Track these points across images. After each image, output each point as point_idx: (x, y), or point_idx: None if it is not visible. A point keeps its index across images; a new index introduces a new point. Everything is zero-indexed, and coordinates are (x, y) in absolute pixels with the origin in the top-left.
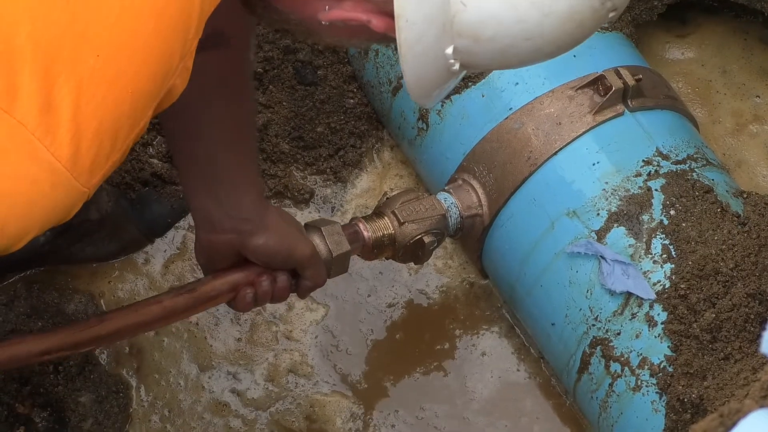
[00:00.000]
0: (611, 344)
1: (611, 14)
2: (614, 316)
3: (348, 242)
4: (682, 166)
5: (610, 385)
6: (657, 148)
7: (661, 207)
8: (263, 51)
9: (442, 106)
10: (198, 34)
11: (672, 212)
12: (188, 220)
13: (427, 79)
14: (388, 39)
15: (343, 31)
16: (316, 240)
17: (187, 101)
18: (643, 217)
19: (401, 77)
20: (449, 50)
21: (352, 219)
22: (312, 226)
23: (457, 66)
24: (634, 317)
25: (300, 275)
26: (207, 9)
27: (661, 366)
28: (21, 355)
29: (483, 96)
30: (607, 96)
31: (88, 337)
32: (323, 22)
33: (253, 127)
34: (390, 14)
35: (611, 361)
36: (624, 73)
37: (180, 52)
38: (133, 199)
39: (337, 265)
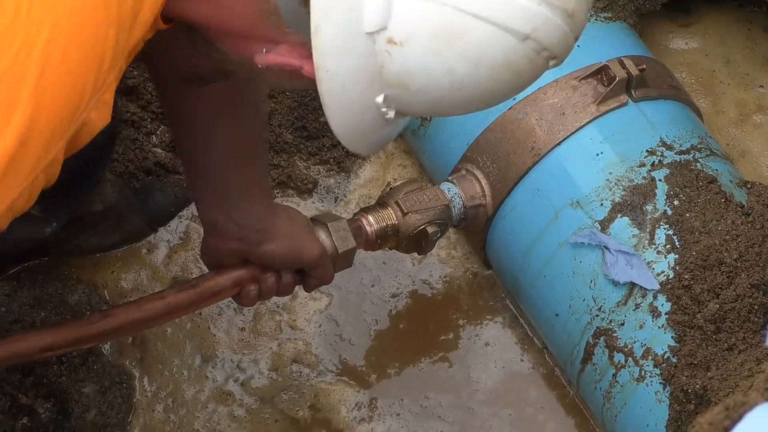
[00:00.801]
0: (615, 335)
1: (551, 62)
2: (618, 306)
3: (353, 238)
4: (685, 157)
5: (614, 375)
6: (661, 138)
7: (665, 197)
8: None
9: None
10: (113, 68)
11: (676, 202)
12: (191, 209)
13: (357, 128)
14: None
15: (280, 75)
16: (322, 236)
17: (196, 125)
18: (647, 207)
19: None
20: (380, 99)
21: (356, 213)
22: (318, 222)
23: (392, 114)
24: (638, 308)
25: (307, 273)
26: (124, 45)
27: (665, 356)
28: (23, 351)
29: None
30: (611, 86)
31: (90, 333)
32: (260, 65)
33: (262, 141)
34: None
35: (615, 352)
36: (628, 63)
37: (93, 86)
38: (137, 189)
39: (342, 261)
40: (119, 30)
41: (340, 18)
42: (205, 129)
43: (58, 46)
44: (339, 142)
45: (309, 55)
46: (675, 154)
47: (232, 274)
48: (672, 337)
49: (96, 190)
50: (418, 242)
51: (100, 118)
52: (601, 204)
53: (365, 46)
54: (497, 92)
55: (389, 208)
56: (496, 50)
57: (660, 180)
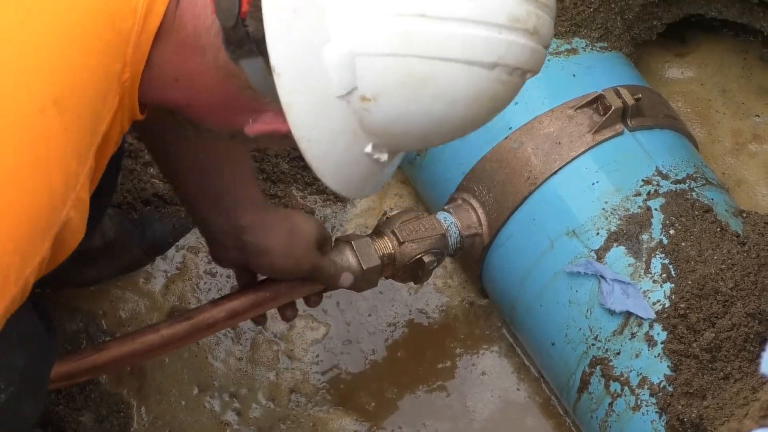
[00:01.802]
0: (611, 363)
1: (527, 76)
2: (614, 335)
3: (378, 257)
4: (681, 186)
5: (610, 404)
6: (656, 167)
7: (661, 226)
8: None
9: None
10: (86, 165)
11: (671, 231)
12: (188, 240)
13: (354, 179)
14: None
15: (271, 140)
16: (347, 254)
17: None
18: (643, 236)
19: None
20: (368, 149)
21: None
22: (342, 240)
23: (384, 156)
24: (634, 337)
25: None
26: (93, 140)
27: (661, 385)
28: None
29: None
30: (607, 115)
31: (84, 367)
32: (250, 135)
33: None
34: None
35: (611, 381)
36: (623, 92)
37: (63, 186)
38: (135, 220)
39: (367, 279)
40: (80, 137)
41: (310, 90)
42: (181, 143)
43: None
44: None
45: None
46: (671, 183)
47: (226, 305)
48: (668, 366)
49: (96, 225)
50: (414, 271)
51: (79, 215)
52: (597, 233)
53: (340, 109)
54: (480, 118)
55: (386, 238)
56: (467, 85)
57: (656, 209)
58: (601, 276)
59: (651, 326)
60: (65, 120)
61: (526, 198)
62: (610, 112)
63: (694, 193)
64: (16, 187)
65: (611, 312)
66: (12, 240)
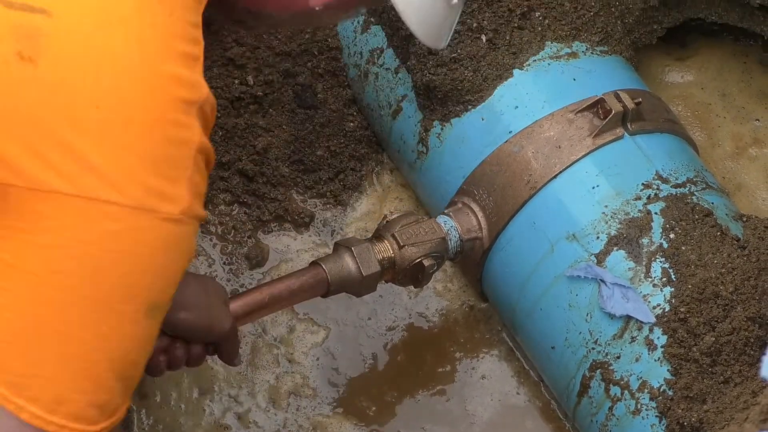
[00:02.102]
0: (611, 368)
1: None
2: (614, 339)
3: (378, 263)
4: (681, 190)
5: (610, 408)
6: (657, 171)
7: (661, 230)
8: (263, 74)
9: (442, 129)
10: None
11: (672, 236)
12: None
13: (431, 21)
14: (380, 1)
15: (338, 8)
16: (347, 260)
17: None
18: (643, 240)
19: (401, 100)
20: None
21: None
22: (342, 246)
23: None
24: (634, 341)
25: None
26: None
27: (661, 389)
28: None
29: (482, 119)
30: (607, 119)
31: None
32: (317, 8)
33: None
34: None
35: (611, 385)
36: (623, 96)
37: None
38: None
39: (366, 285)
40: None
41: None
42: None
43: None
44: (336, 176)
45: None
46: (671, 187)
47: None
48: (668, 370)
49: None
50: (414, 275)
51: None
52: (597, 237)
53: None
54: None
55: (386, 241)
56: None
57: (656, 213)
58: (601, 280)
59: (651, 330)
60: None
61: (526, 202)
62: (611, 116)
63: (694, 197)
64: None
65: (611, 316)
66: None
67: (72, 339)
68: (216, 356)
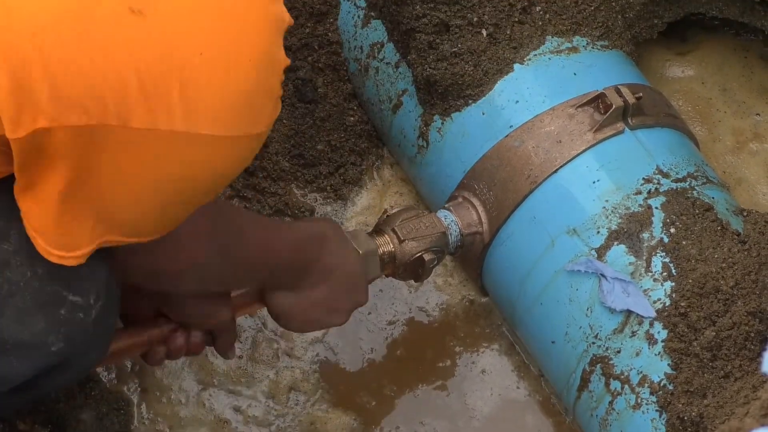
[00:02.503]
0: (611, 362)
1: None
2: (614, 334)
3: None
4: (682, 184)
5: (610, 403)
6: (657, 166)
7: (662, 225)
8: None
9: (443, 123)
10: None
11: (672, 230)
12: None
13: None
14: None
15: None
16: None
17: None
18: (644, 235)
19: (401, 95)
20: None
21: None
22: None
23: None
24: (634, 335)
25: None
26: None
27: (661, 384)
28: None
29: (483, 114)
30: (608, 114)
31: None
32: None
33: None
34: None
35: (611, 379)
36: (624, 91)
37: None
38: None
39: (369, 264)
40: None
41: None
42: None
43: None
44: (336, 170)
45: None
46: (671, 181)
47: (142, 333)
48: (668, 364)
49: None
50: (414, 270)
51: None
52: (598, 231)
53: None
54: None
55: (386, 236)
56: None
57: (656, 208)
58: (601, 274)
59: (651, 325)
60: None
61: (526, 196)
62: (611, 110)
63: (694, 192)
64: None
65: (612, 310)
66: None
67: None
68: (214, 348)
